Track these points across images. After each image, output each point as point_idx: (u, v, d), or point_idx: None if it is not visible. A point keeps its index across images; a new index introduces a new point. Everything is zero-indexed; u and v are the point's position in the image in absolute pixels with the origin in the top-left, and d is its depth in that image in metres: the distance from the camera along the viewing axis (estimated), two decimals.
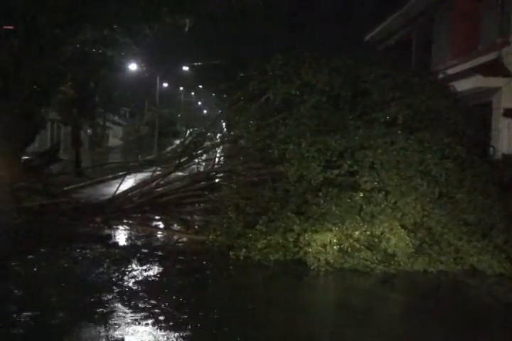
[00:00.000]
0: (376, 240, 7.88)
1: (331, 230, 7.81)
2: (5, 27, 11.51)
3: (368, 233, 7.86)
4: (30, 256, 7.91)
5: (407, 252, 7.75)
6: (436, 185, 8.19)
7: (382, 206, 7.92)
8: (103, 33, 13.07)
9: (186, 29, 12.35)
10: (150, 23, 12.07)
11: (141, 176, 14.05)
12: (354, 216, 7.89)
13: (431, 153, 8.33)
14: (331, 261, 7.62)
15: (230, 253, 8.06)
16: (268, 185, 8.58)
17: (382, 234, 7.82)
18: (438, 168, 8.24)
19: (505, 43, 12.16)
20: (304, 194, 8.24)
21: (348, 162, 8.28)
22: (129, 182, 12.65)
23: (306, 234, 7.84)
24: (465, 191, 8.28)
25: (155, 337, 4.83)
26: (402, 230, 7.85)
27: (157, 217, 10.55)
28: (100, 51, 14.62)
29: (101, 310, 5.49)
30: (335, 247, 7.73)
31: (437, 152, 8.43)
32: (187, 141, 11.19)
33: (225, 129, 11.95)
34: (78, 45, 13.71)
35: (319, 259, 7.61)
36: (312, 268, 7.54)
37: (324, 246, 7.72)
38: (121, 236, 9.91)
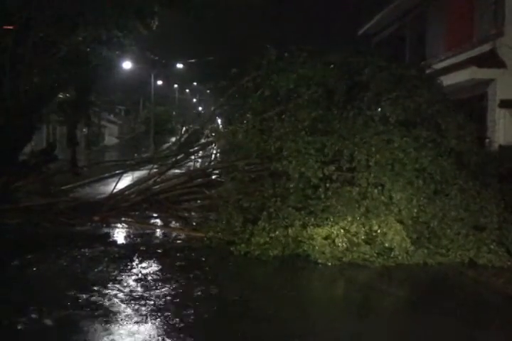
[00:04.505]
0: (374, 234, 7.88)
1: (330, 225, 7.82)
2: (5, 27, 11.44)
3: (366, 228, 7.86)
4: (30, 256, 7.90)
5: (403, 246, 7.75)
6: (431, 181, 8.18)
7: (378, 201, 7.93)
8: (98, 32, 13.02)
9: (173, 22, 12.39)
10: (145, 19, 12.04)
11: (138, 174, 14.04)
12: (352, 210, 7.89)
13: (426, 150, 8.29)
14: (330, 255, 7.63)
15: (230, 249, 8.05)
16: (267, 181, 8.55)
17: (379, 228, 7.83)
18: (433, 165, 8.22)
19: (499, 34, 12.15)
20: (303, 190, 8.23)
21: (345, 158, 8.25)
22: (126, 181, 12.62)
23: (308, 229, 7.85)
24: (460, 186, 8.26)
25: (155, 334, 4.83)
26: (398, 224, 7.85)
27: (155, 215, 10.53)
28: (96, 50, 14.53)
29: (100, 307, 5.49)
30: (335, 241, 7.73)
31: (432, 149, 8.40)
32: (183, 138, 11.17)
33: (221, 125, 11.93)
34: (74, 45, 13.63)
35: (323, 253, 7.63)
36: (319, 262, 7.56)
37: (325, 240, 7.73)
38: (119, 234, 9.90)
